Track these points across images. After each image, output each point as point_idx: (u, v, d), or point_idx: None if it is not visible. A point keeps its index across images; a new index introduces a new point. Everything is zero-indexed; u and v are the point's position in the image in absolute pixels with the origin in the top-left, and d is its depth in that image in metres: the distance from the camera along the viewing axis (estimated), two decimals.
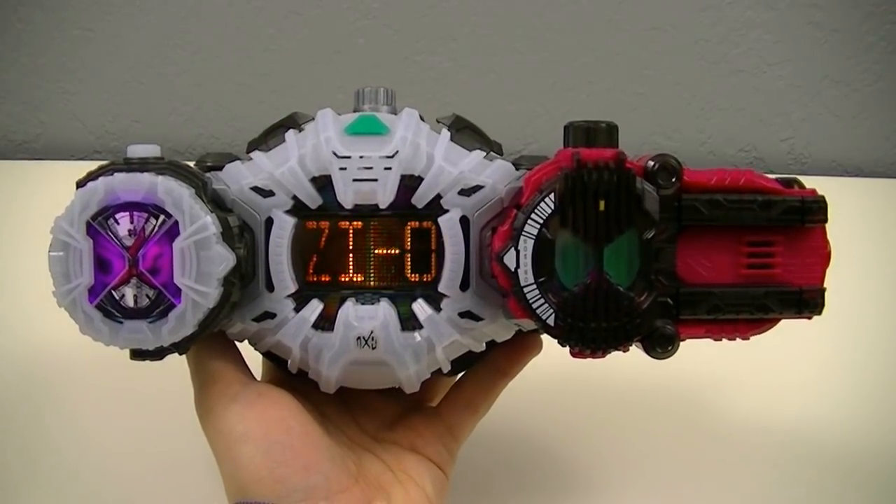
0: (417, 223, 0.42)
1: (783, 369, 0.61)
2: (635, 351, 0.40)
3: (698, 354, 0.43)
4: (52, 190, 0.45)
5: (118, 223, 0.38)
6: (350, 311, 0.41)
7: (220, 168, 0.42)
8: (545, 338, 0.43)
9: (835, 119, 0.93)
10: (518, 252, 0.38)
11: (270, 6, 0.91)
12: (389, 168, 0.41)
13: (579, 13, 0.91)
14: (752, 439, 0.56)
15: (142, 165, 0.39)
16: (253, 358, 0.44)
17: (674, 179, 0.38)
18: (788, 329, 0.42)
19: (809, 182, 0.41)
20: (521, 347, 0.45)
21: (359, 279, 0.42)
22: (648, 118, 0.93)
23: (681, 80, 0.93)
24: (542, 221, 0.38)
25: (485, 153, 0.42)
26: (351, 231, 0.42)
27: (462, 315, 0.41)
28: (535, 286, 0.38)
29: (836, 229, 0.40)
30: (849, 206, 0.51)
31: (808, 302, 0.40)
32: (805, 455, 0.55)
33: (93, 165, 0.40)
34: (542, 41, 0.92)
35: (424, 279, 0.42)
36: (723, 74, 0.93)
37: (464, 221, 0.41)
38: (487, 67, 0.92)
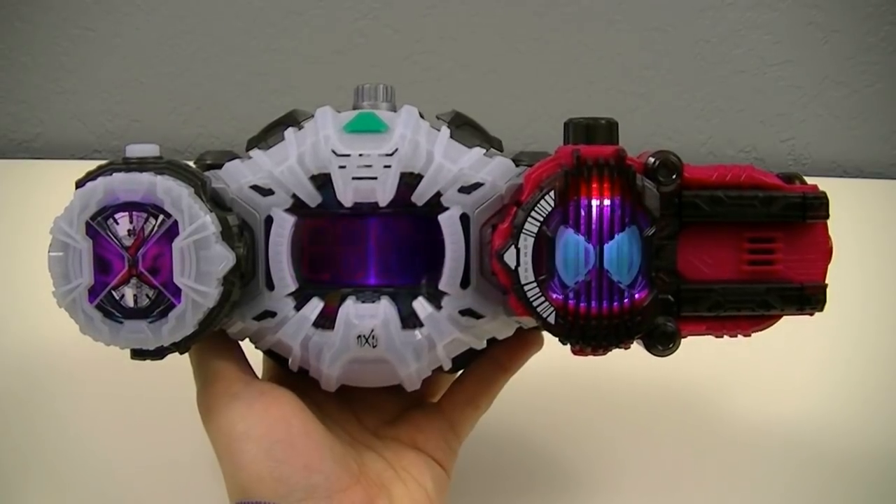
0: (417, 221, 0.42)
1: (784, 368, 0.61)
2: (636, 348, 0.40)
3: (699, 352, 0.43)
4: (52, 189, 0.44)
5: (117, 223, 0.38)
6: (350, 310, 0.41)
7: (220, 166, 0.42)
8: (546, 335, 0.43)
9: (835, 120, 0.93)
10: (518, 250, 0.38)
11: (270, 6, 0.90)
12: (389, 166, 0.40)
13: (579, 13, 0.91)
14: (754, 437, 0.56)
15: (140, 165, 0.39)
16: (254, 356, 0.44)
17: (674, 176, 0.38)
18: (790, 329, 0.42)
19: (810, 182, 0.41)
20: (521, 343, 0.45)
21: (359, 277, 0.42)
22: (648, 119, 0.93)
23: (681, 81, 0.93)
24: (542, 219, 0.38)
25: (485, 150, 0.42)
26: (351, 229, 0.42)
27: (463, 313, 0.41)
28: (535, 284, 0.38)
29: (836, 230, 0.40)
30: (849, 206, 0.51)
31: (809, 298, 0.40)
32: (806, 454, 0.55)
33: (92, 165, 0.40)
34: (542, 41, 0.92)
35: (425, 277, 0.42)
36: (723, 75, 0.92)
37: (464, 219, 0.41)
38: (487, 67, 0.92)
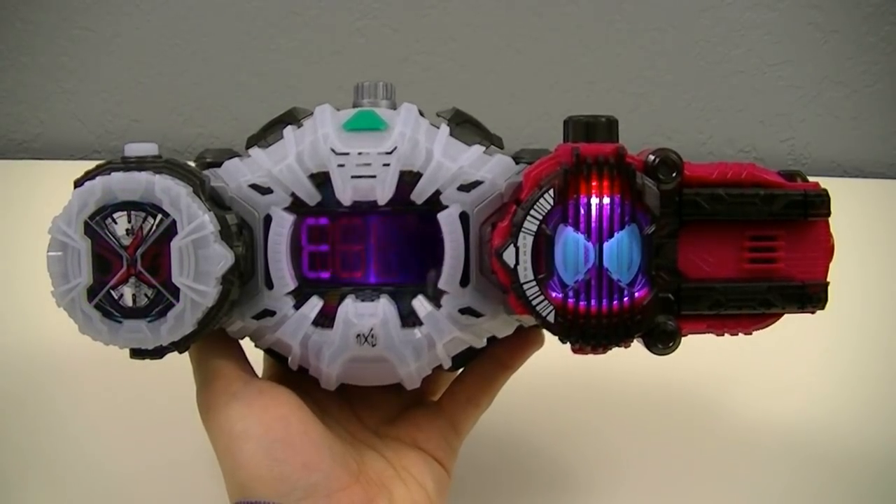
0: (417, 219, 0.41)
1: (785, 367, 0.61)
2: (637, 347, 0.39)
3: (700, 350, 0.43)
4: (52, 190, 0.44)
5: (116, 222, 0.38)
6: (350, 308, 0.41)
7: (219, 165, 0.42)
8: (546, 333, 0.43)
9: (835, 120, 0.93)
10: (517, 248, 0.38)
11: (270, 6, 0.91)
12: (388, 164, 0.40)
13: (579, 13, 0.91)
14: (755, 436, 0.56)
15: (139, 164, 0.39)
16: (254, 354, 0.44)
17: (674, 174, 0.38)
18: (790, 329, 0.42)
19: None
20: (522, 341, 0.45)
21: (358, 276, 0.42)
22: (648, 119, 0.93)
23: (681, 81, 0.93)
24: (541, 217, 0.37)
25: (484, 148, 0.42)
26: (350, 228, 0.42)
27: (462, 311, 0.41)
28: (534, 283, 0.38)
29: (836, 230, 0.40)
30: (849, 206, 0.50)
31: (811, 296, 0.39)
32: (806, 453, 0.55)
33: (92, 165, 0.39)
34: (542, 41, 0.92)
35: (424, 275, 0.42)
36: (723, 75, 0.93)
37: (463, 217, 0.41)
38: (487, 67, 0.92)
